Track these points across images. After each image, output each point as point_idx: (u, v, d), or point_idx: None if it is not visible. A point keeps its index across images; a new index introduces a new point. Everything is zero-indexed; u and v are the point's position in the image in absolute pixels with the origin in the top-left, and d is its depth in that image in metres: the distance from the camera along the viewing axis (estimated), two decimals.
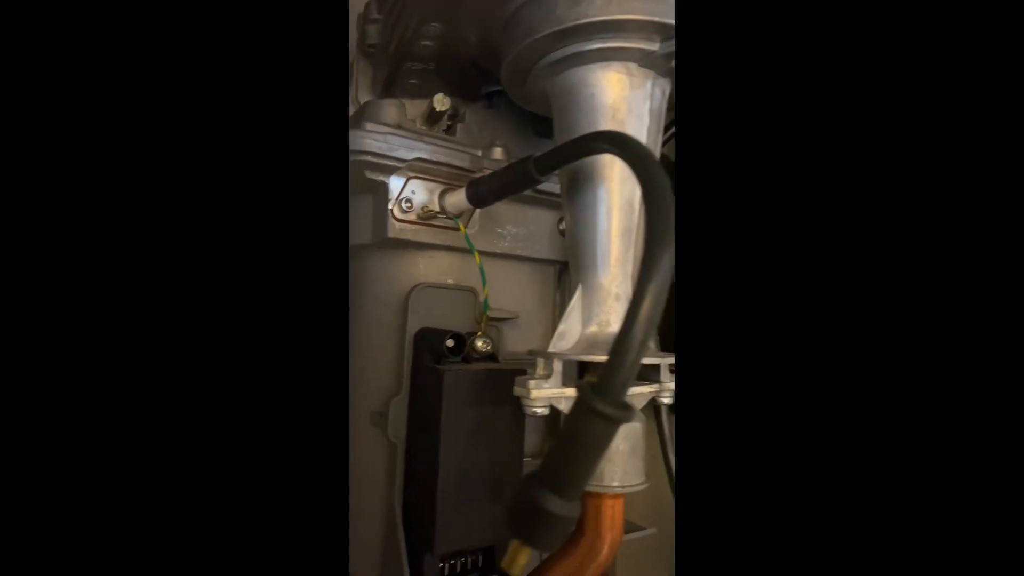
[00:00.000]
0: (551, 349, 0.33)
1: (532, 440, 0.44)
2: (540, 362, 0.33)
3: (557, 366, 0.32)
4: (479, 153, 0.41)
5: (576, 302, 0.34)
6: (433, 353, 0.38)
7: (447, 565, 0.36)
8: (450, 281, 0.42)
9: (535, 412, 0.32)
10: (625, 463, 0.33)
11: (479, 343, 0.40)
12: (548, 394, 0.32)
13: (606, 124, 0.33)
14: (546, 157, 0.32)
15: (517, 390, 0.32)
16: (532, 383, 0.31)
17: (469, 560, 0.37)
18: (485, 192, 0.36)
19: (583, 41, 0.32)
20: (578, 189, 0.35)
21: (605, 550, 0.34)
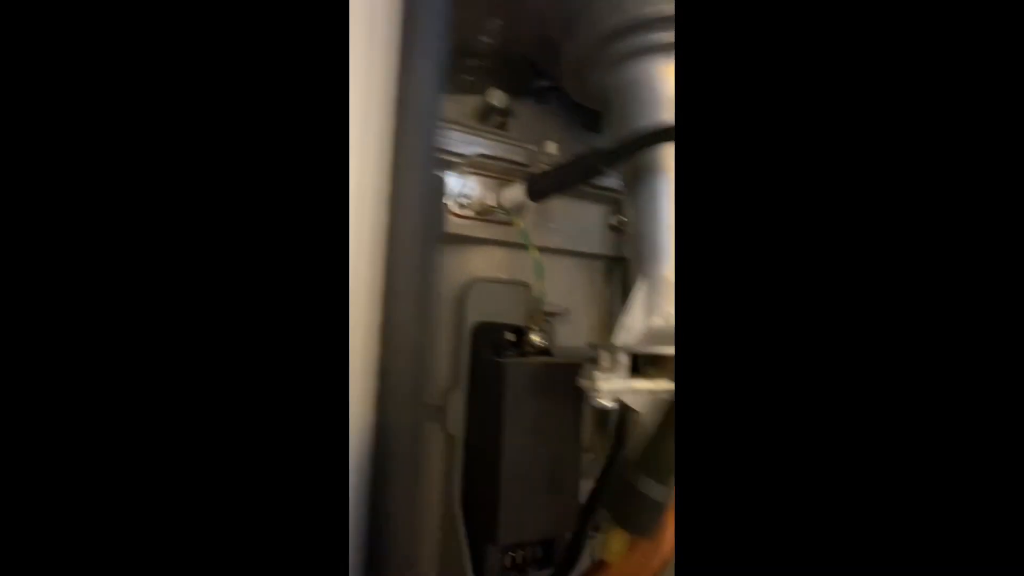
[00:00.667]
0: (615, 342, 0.33)
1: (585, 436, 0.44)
2: (604, 355, 0.33)
3: (623, 359, 0.32)
4: (534, 148, 0.42)
5: (639, 294, 0.34)
6: (492, 347, 0.38)
7: (508, 556, 0.37)
8: (503, 276, 0.42)
9: (602, 405, 0.32)
10: None
11: (535, 337, 0.40)
12: (615, 387, 0.32)
13: (669, 116, 0.33)
14: (612, 151, 0.32)
15: (584, 383, 0.32)
16: (600, 376, 0.31)
17: (529, 551, 0.37)
18: (545, 187, 0.37)
19: (651, 34, 0.32)
20: (641, 181, 0.35)
21: (671, 544, 0.34)
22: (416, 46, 0.19)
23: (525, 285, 0.42)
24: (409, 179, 0.18)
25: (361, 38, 0.19)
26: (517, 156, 0.40)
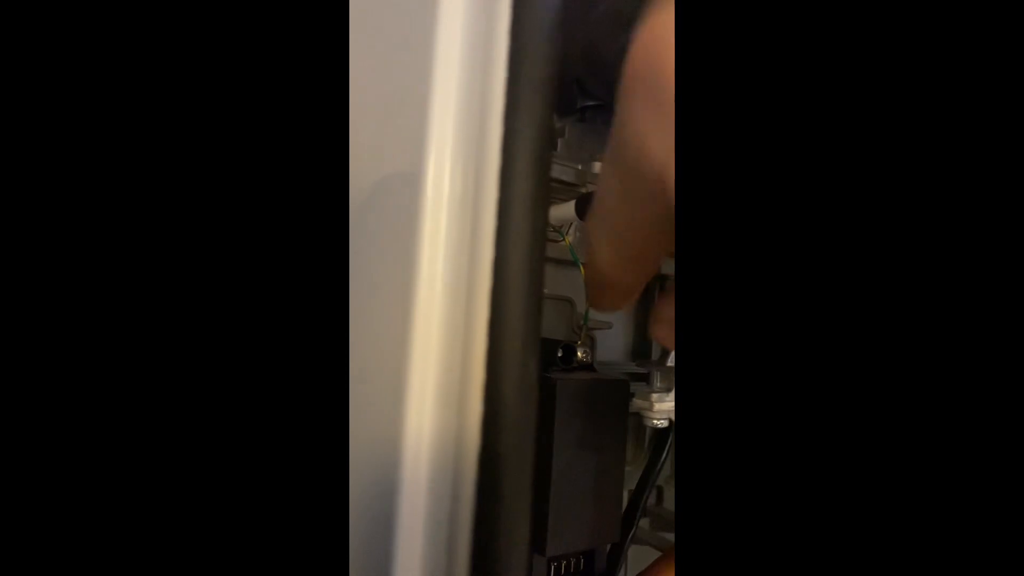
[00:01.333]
0: (668, 363, 0.35)
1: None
2: (657, 375, 0.34)
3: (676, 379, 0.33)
4: (580, 167, 0.43)
5: None
6: (540, 362, 0.39)
7: (553, 567, 0.38)
8: (547, 291, 0.43)
9: (655, 424, 0.33)
10: None
11: (579, 352, 0.41)
12: (668, 407, 0.33)
13: None
14: None
15: (638, 403, 0.33)
16: (655, 396, 0.33)
17: (572, 562, 0.38)
18: None
19: None
20: None
21: None
22: (524, 84, 0.20)
23: (570, 301, 0.43)
24: (518, 220, 0.19)
25: (464, 70, 0.20)
26: (566, 176, 0.41)
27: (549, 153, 0.19)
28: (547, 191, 0.20)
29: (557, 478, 0.36)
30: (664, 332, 0.33)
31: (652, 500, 0.47)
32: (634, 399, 0.34)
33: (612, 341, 0.47)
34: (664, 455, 0.42)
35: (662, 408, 0.33)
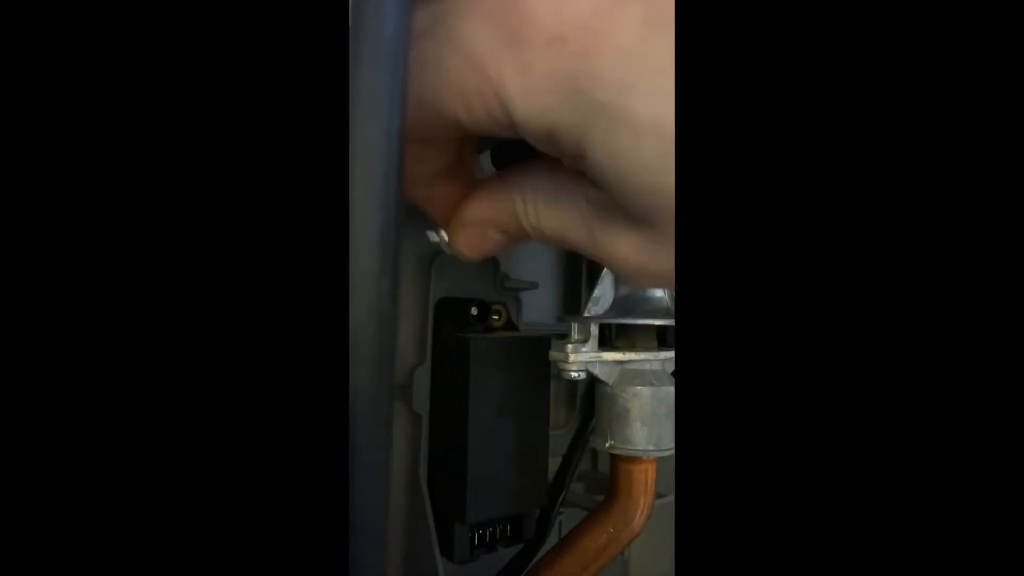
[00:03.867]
0: (584, 313, 0.33)
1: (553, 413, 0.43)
2: (574, 326, 0.32)
3: (593, 330, 0.32)
4: None
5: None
6: (456, 323, 0.37)
7: (476, 534, 0.36)
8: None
9: (571, 376, 0.31)
10: (660, 427, 0.32)
11: (501, 312, 0.39)
12: (585, 358, 0.31)
13: None
14: None
15: (553, 355, 0.32)
16: (570, 347, 0.31)
17: (498, 529, 0.37)
18: (512, 154, 0.36)
19: None
20: None
21: (639, 515, 0.34)
22: None
23: (492, 259, 0.41)
24: (368, 131, 0.17)
25: None
26: None
27: (403, 44, 0.17)
28: (400, 93, 0.17)
29: (474, 443, 0.34)
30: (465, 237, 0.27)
31: (587, 465, 0.46)
32: (551, 351, 0.32)
33: (542, 303, 0.45)
34: (594, 418, 0.40)
35: (578, 359, 0.31)
